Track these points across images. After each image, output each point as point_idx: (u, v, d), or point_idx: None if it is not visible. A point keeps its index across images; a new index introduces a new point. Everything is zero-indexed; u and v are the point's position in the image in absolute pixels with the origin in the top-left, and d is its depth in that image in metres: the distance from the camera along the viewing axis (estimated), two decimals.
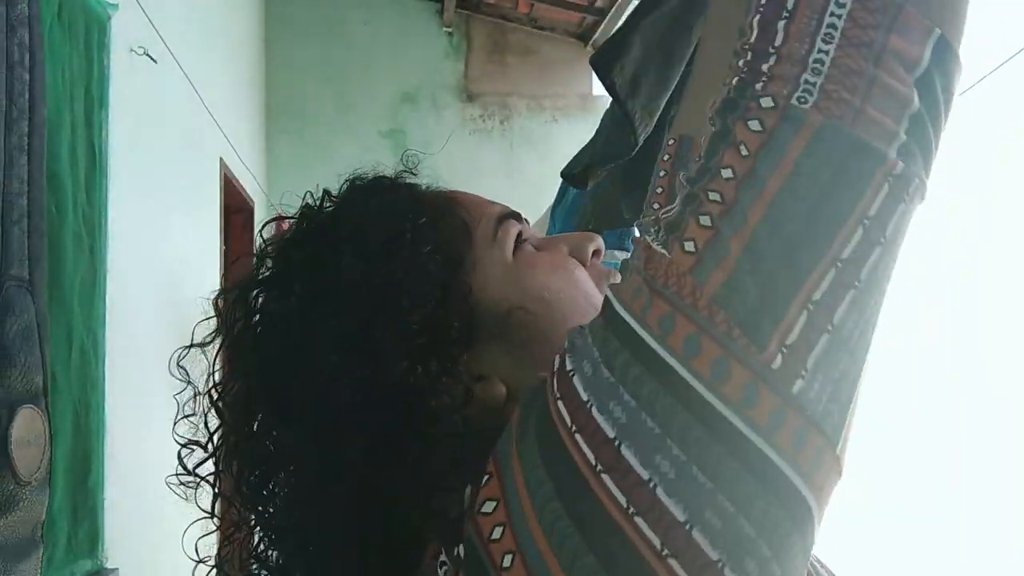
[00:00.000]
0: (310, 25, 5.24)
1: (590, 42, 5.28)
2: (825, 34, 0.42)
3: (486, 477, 0.45)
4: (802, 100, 0.41)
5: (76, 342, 1.69)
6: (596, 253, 0.62)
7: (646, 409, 0.40)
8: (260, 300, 0.57)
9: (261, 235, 0.62)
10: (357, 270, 0.52)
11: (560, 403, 0.43)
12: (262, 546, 0.59)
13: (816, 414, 0.40)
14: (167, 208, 2.69)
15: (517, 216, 0.60)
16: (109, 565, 1.88)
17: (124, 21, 2.08)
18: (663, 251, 0.42)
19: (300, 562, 0.55)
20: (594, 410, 0.41)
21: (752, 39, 0.44)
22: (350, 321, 0.51)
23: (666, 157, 0.76)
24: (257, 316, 0.56)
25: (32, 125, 1.40)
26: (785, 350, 0.40)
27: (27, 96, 1.38)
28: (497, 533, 0.43)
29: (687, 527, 0.39)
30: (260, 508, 0.57)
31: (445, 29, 5.29)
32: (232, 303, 0.57)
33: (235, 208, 3.97)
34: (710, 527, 0.39)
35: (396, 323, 0.51)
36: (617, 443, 0.40)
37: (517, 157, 5.30)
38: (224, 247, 3.59)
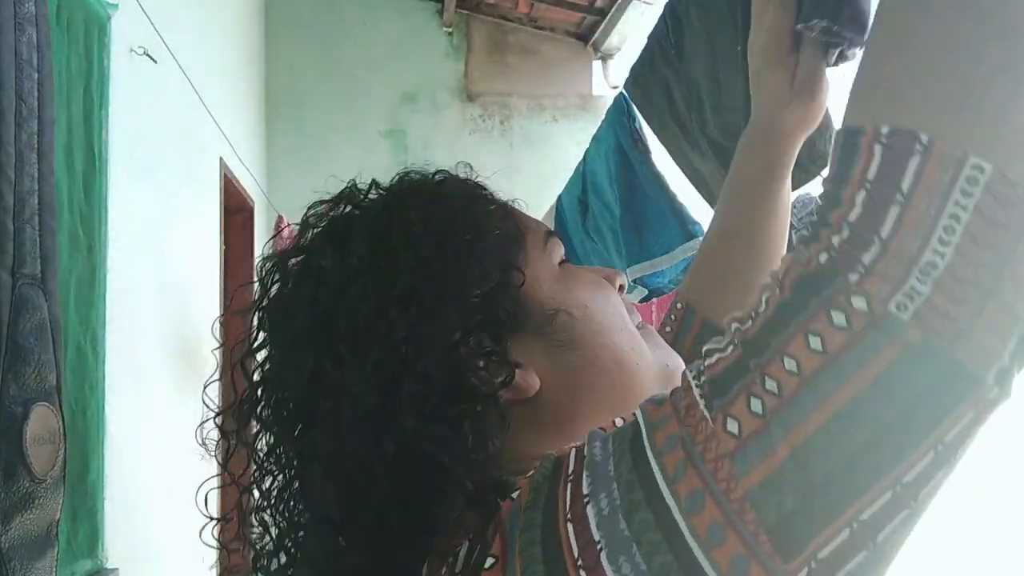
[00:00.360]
0: (310, 25, 5.24)
1: (590, 42, 5.28)
2: (945, 228, 0.35)
3: (491, 560, 0.45)
4: (902, 307, 0.36)
5: (72, 342, 1.69)
6: (621, 288, 0.64)
7: None
8: (313, 262, 0.57)
9: (307, 215, 0.63)
10: (430, 239, 0.54)
11: (570, 525, 0.42)
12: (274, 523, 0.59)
13: None
14: (167, 208, 2.69)
15: (559, 238, 0.64)
16: (109, 565, 1.88)
17: (124, 21, 2.07)
18: (707, 414, 0.39)
19: (315, 534, 0.56)
20: (603, 556, 0.40)
21: (853, 217, 0.38)
22: (416, 282, 0.52)
23: (667, 327, 0.78)
24: (309, 277, 0.56)
25: (41, 123, 1.40)
26: (814, 564, 0.37)
27: (36, 95, 1.39)
28: None
29: None
30: (289, 468, 0.57)
31: (445, 29, 5.29)
32: (279, 265, 0.59)
33: (235, 208, 3.97)
34: None
35: (459, 292, 0.52)
36: None
37: (517, 157, 5.29)
38: (224, 247, 3.59)
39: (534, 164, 5.19)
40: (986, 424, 0.38)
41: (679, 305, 0.79)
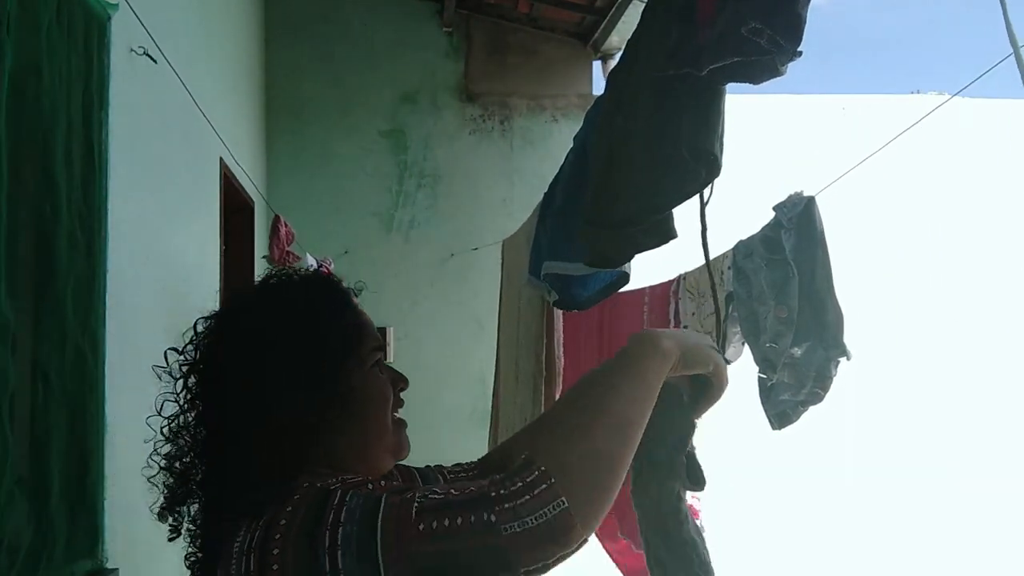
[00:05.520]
0: (310, 25, 5.24)
1: (590, 42, 5.28)
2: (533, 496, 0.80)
3: (278, 536, 0.80)
4: (505, 523, 0.78)
5: (71, 342, 1.69)
6: (402, 388, 1.03)
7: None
8: (232, 326, 0.95)
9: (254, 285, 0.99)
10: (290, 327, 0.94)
11: (332, 512, 0.80)
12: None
13: None
14: (167, 208, 2.69)
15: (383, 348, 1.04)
16: (109, 565, 1.88)
17: (124, 21, 2.07)
18: (414, 516, 0.79)
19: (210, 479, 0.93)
20: (340, 529, 0.78)
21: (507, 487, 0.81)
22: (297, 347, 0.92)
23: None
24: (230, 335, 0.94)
25: None
26: None
27: None
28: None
29: None
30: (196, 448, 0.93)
31: (445, 29, 5.29)
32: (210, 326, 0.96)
33: (235, 208, 3.97)
34: None
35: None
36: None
37: (517, 157, 5.29)
38: (224, 247, 3.59)
39: (534, 164, 5.19)
40: None
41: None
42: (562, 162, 2.56)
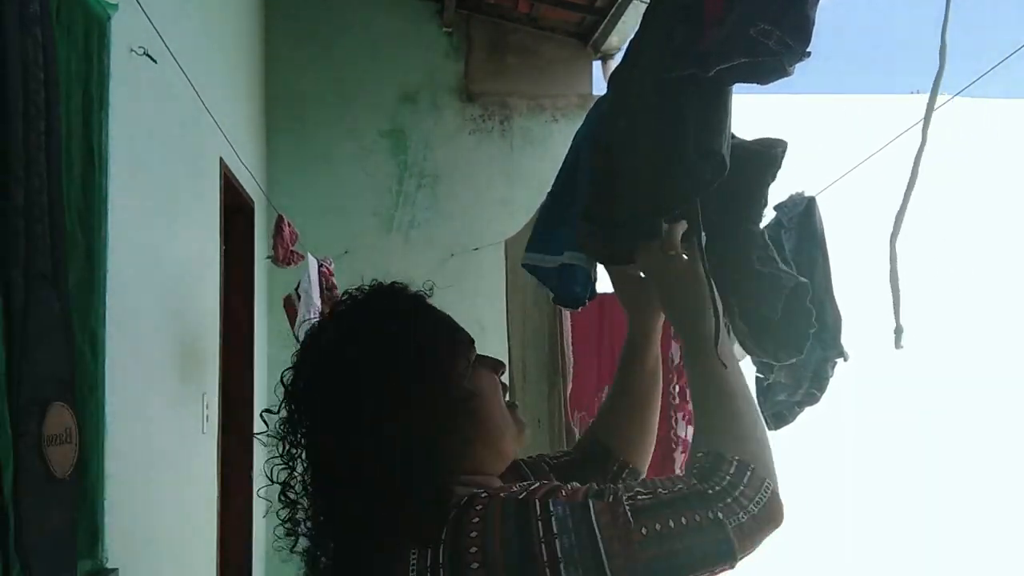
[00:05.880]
0: (310, 25, 5.23)
1: (590, 42, 5.28)
2: (726, 478, 0.87)
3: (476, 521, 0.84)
4: (727, 513, 0.86)
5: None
6: (501, 372, 1.05)
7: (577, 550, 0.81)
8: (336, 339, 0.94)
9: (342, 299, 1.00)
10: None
11: (543, 545, 0.81)
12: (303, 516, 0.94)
13: None
14: (167, 208, 2.69)
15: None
16: (109, 565, 1.88)
17: (124, 21, 2.07)
18: (630, 518, 0.82)
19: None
20: (561, 566, 0.80)
21: (711, 477, 0.89)
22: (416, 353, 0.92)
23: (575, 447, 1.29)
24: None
25: (49, 123, 1.39)
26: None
27: (43, 94, 1.38)
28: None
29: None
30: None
31: (445, 29, 5.29)
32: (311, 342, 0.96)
33: (235, 208, 3.97)
34: None
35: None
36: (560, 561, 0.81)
37: (517, 157, 5.29)
38: (224, 247, 3.59)
39: (534, 164, 5.19)
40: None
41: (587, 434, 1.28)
42: (562, 162, 2.55)
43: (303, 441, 0.92)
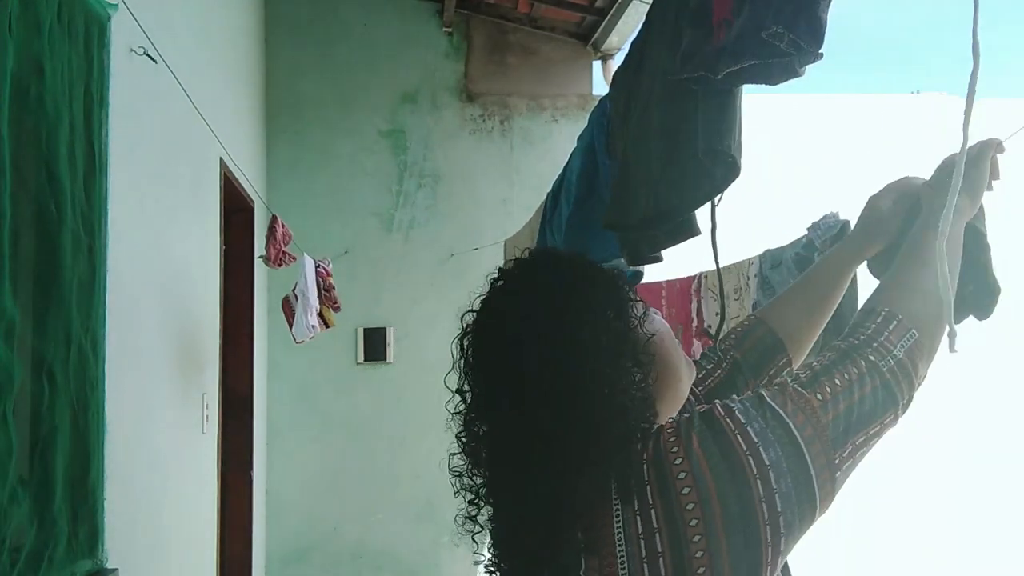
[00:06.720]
0: (310, 25, 5.23)
1: (590, 42, 5.28)
2: (901, 345, 0.97)
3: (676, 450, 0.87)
4: (886, 365, 0.93)
5: (75, 342, 1.69)
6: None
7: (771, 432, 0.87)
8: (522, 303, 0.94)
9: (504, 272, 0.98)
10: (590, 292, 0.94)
11: (739, 437, 0.86)
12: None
13: None
14: (167, 208, 2.69)
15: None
16: (109, 565, 1.88)
17: (124, 21, 2.07)
18: (804, 392, 0.89)
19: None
20: (760, 448, 0.85)
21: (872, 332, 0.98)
22: (606, 305, 0.93)
23: (738, 329, 1.28)
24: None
25: None
26: (845, 454, 0.90)
27: None
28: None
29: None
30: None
31: (445, 29, 5.29)
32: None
33: (235, 208, 3.97)
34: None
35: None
36: (757, 442, 0.86)
37: (517, 157, 5.29)
38: (224, 247, 3.59)
39: (534, 164, 5.19)
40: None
41: (752, 317, 1.30)
42: (565, 162, 2.56)
43: (504, 412, 0.91)
